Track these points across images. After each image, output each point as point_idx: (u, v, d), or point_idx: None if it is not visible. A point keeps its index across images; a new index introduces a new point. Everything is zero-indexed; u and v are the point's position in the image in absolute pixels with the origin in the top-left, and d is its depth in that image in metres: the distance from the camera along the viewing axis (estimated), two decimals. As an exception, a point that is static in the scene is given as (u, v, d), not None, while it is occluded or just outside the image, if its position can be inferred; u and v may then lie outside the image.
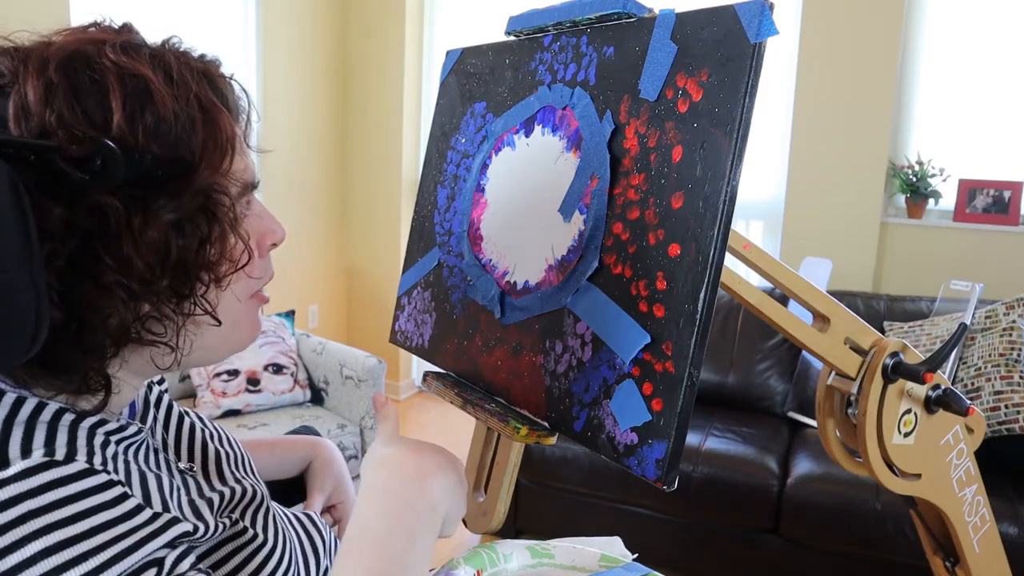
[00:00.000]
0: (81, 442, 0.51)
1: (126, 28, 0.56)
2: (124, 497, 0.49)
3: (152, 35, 0.57)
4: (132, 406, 0.63)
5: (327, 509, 0.87)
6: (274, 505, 0.69)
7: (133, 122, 0.50)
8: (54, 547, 0.44)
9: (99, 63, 0.51)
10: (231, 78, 0.60)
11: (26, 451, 0.48)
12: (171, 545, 0.50)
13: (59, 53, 0.51)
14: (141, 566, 0.47)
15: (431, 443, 0.61)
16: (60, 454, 0.48)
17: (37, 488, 0.46)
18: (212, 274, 0.55)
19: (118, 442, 0.55)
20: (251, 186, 0.60)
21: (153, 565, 0.48)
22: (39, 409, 0.50)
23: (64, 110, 0.49)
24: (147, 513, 0.49)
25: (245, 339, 0.63)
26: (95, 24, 0.55)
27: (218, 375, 2.47)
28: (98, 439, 0.52)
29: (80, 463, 0.49)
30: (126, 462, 0.54)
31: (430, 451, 0.59)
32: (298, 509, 0.75)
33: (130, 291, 0.50)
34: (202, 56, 0.58)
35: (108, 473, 0.50)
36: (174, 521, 0.51)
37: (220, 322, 0.57)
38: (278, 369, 2.55)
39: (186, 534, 0.51)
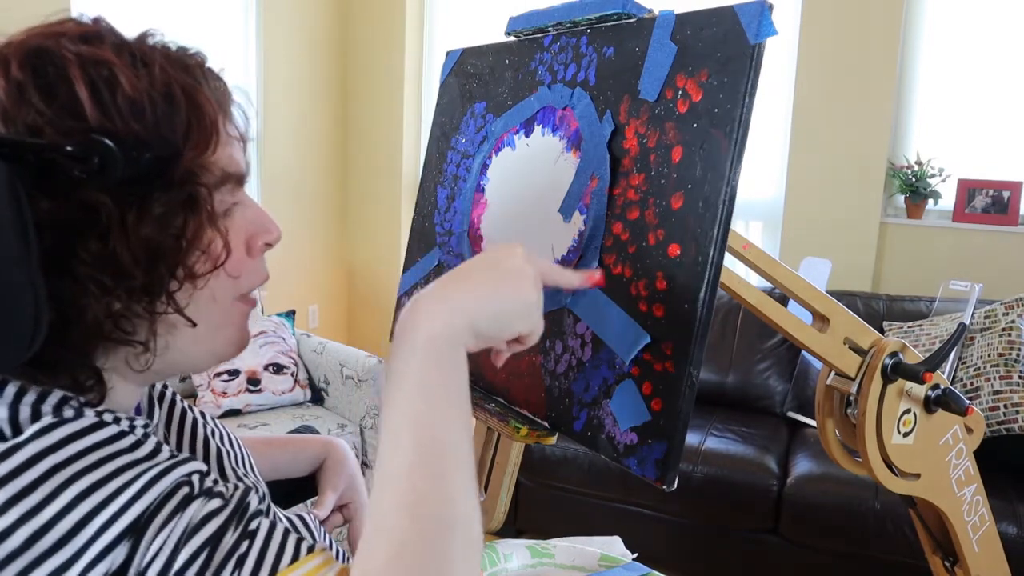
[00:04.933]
0: (89, 412, 0.51)
1: (95, 21, 0.55)
2: (139, 443, 0.49)
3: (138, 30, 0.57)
4: (138, 406, 0.63)
5: (338, 508, 0.87)
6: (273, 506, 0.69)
7: (104, 107, 0.50)
8: (87, 491, 0.45)
9: (59, 55, 0.50)
10: (219, 71, 0.59)
11: (36, 418, 0.48)
12: (196, 473, 0.50)
13: (19, 51, 0.50)
14: (174, 487, 0.48)
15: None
16: (69, 414, 0.49)
17: (55, 444, 0.46)
18: (186, 270, 0.53)
19: (130, 425, 0.55)
20: (236, 178, 0.58)
21: (184, 484, 0.48)
22: (43, 396, 0.50)
23: (42, 107, 0.49)
24: (166, 452, 0.50)
25: (230, 346, 0.60)
26: (70, 20, 0.55)
27: (218, 375, 2.47)
28: (107, 417, 0.52)
29: (91, 417, 0.49)
30: None
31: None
32: (293, 512, 0.75)
33: (102, 286, 0.50)
34: (181, 48, 0.57)
35: (119, 424, 0.50)
36: (192, 458, 0.51)
37: (194, 323, 0.55)
38: (278, 369, 2.55)
39: (203, 472, 0.51)
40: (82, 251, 0.49)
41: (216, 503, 0.49)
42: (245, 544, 0.48)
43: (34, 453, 0.45)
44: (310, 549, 0.50)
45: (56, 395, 0.51)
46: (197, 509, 0.48)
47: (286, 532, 0.50)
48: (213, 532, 0.47)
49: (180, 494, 0.48)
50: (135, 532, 0.45)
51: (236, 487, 0.61)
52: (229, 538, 0.47)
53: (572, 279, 0.62)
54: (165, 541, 0.45)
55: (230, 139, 0.58)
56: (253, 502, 0.52)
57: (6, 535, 0.43)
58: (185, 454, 0.52)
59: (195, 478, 0.50)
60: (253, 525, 0.49)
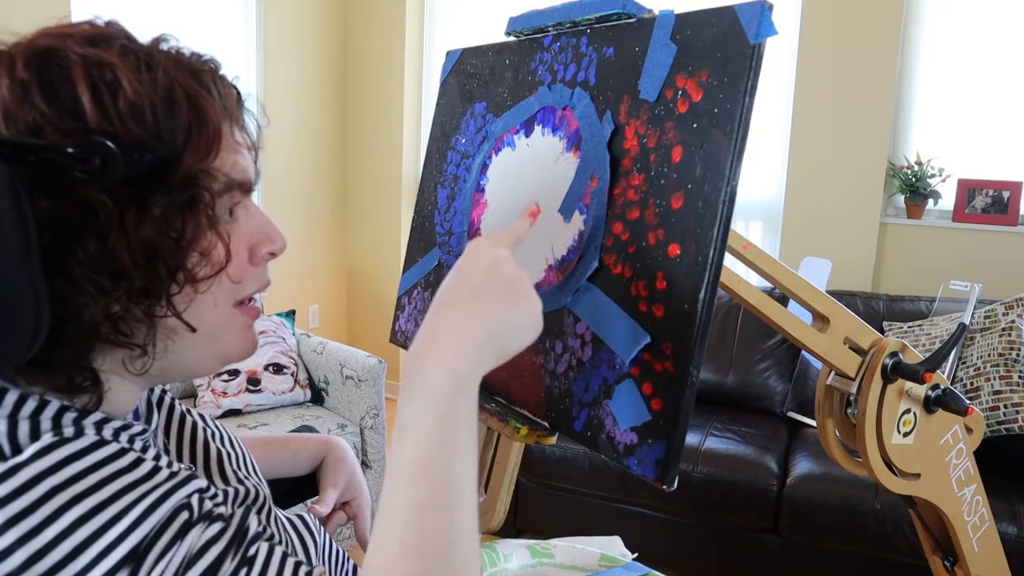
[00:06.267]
0: (89, 427, 0.51)
1: (108, 24, 0.55)
2: (139, 461, 0.50)
3: (152, 35, 0.57)
4: (136, 410, 0.63)
5: (340, 506, 0.87)
6: (274, 508, 0.69)
7: (104, 109, 0.50)
8: (86, 515, 0.45)
9: (64, 56, 0.50)
10: (233, 79, 0.59)
11: (35, 436, 0.48)
12: (196, 493, 0.51)
13: (25, 51, 0.51)
14: (173, 513, 0.48)
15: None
16: (69, 433, 0.49)
17: (55, 465, 0.46)
18: (185, 274, 0.53)
19: (129, 439, 0.55)
20: (240, 184, 0.58)
21: (184, 509, 0.49)
22: (41, 407, 0.50)
23: (43, 107, 0.49)
24: (165, 472, 0.50)
25: (232, 352, 0.60)
26: (87, 22, 0.55)
27: (219, 375, 2.47)
28: (107, 431, 0.52)
29: (90, 436, 0.49)
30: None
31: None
32: (293, 512, 0.76)
33: (100, 287, 0.50)
34: (195, 54, 0.57)
35: (118, 442, 0.50)
36: (192, 476, 0.51)
37: (193, 328, 0.55)
38: (278, 369, 2.55)
39: (203, 489, 0.52)
40: (80, 251, 0.49)
41: (215, 529, 0.49)
42: (244, 571, 0.48)
43: (34, 474, 0.45)
44: (308, 574, 0.50)
45: (54, 406, 0.51)
46: (196, 536, 0.48)
47: (284, 556, 0.51)
48: (212, 561, 0.47)
49: (179, 520, 0.48)
50: (134, 560, 0.46)
51: (236, 492, 0.62)
52: (228, 566, 0.48)
53: (523, 227, 0.62)
54: (164, 570, 0.46)
55: (237, 146, 0.58)
56: (252, 525, 0.52)
57: (5, 555, 0.43)
58: (185, 471, 0.52)
59: (194, 500, 0.50)
60: (252, 551, 0.50)
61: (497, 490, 0.76)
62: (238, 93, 0.59)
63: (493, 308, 0.52)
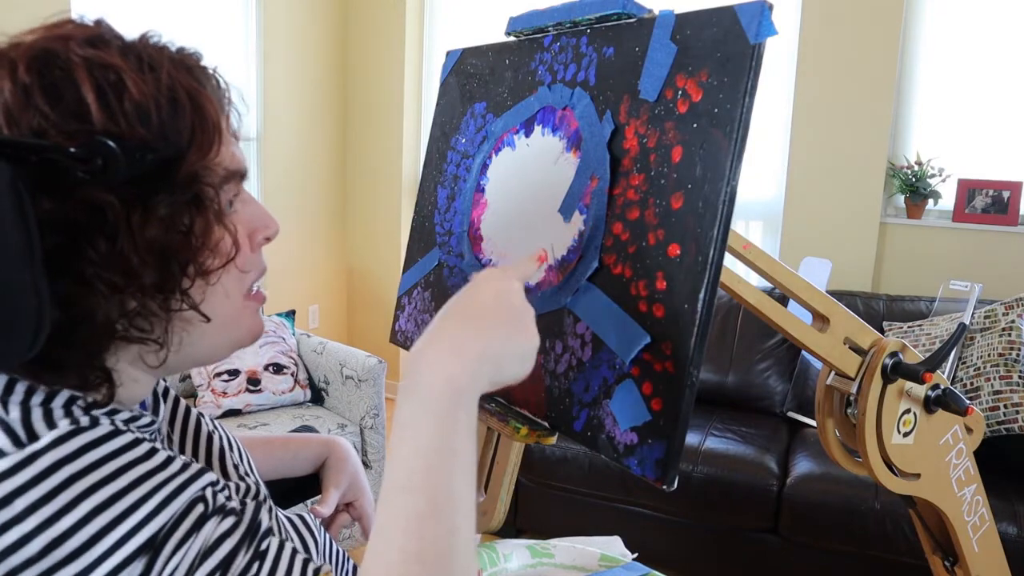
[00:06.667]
0: (102, 417, 0.52)
1: (97, 23, 0.55)
2: (154, 451, 0.50)
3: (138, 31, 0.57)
4: (143, 402, 0.63)
5: (343, 507, 0.87)
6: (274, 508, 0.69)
7: (110, 111, 0.50)
8: (105, 503, 0.46)
9: (66, 59, 0.50)
10: (214, 70, 0.59)
11: (49, 423, 0.49)
12: (209, 486, 0.51)
13: (26, 54, 0.51)
14: (189, 505, 0.49)
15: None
16: (84, 422, 0.49)
17: (72, 453, 0.47)
18: (197, 268, 0.54)
19: (138, 428, 0.55)
20: (238, 175, 0.59)
21: (199, 502, 0.50)
22: (52, 396, 0.51)
23: (46, 110, 0.49)
24: (179, 462, 0.51)
25: (244, 337, 0.61)
26: (70, 21, 0.55)
27: (219, 375, 2.47)
28: (117, 421, 0.53)
29: (105, 426, 0.50)
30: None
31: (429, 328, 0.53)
32: (293, 512, 0.76)
33: (112, 286, 0.50)
34: (180, 48, 0.57)
35: (133, 432, 0.51)
36: (205, 469, 0.52)
37: (208, 319, 0.56)
38: (278, 369, 2.55)
39: (215, 483, 0.52)
40: (91, 251, 0.49)
41: (229, 522, 0.50)
42: (256, 566, 0.49)
43: (53, 462, 0.46)
44: (316, 572, 0.51)
45: (64, 395, 0.51)
46: (211, 529, 0.49)
47: (294, 552, 0.52)
48: (226, 554, 0.48)
49: (195, 512, 0.49)
50: (151, 549, 0.46)
51: (238, 488, 0.62)
52: (241, 559, 0.49)
53: (531, 267, 0.63)
54: (180, 562, 0.47)
55: (231, 139, 0.59)
56: (264, 520, 0.53)
57: (25, 541, 0.44)
58: (196, 464, 0.52)
59: (208, 492, 0.51)
60: (264, 546, 0.51)
61: (497, 490, 0.76)
62: (219, 83, 0.60)
63: (497, 330, 0.53)
